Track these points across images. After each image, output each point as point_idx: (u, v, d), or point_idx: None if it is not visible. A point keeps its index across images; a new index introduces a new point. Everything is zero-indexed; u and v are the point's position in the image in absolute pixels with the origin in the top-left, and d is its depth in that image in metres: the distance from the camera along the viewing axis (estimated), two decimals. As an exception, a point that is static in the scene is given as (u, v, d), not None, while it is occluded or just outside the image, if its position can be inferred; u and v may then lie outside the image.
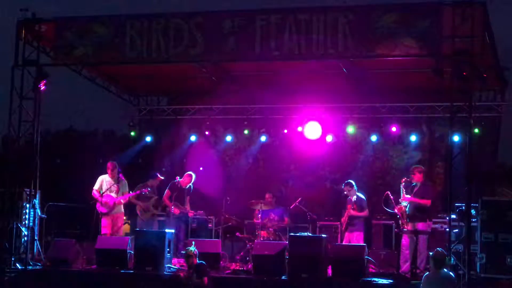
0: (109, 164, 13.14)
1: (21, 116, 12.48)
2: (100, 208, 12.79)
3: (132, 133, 16.86)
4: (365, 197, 12.95)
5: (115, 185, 12.93)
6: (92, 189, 12.98)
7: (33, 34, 12.54)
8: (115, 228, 12.97)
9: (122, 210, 13.23)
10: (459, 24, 10.83)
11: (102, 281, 11.47)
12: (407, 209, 11.69)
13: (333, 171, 16.43)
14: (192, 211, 13.69)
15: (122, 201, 13.04)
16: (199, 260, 10.62)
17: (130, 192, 13.23)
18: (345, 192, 12.94)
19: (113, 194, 12.94)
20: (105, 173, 13.12)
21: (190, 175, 13.58)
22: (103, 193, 12.77)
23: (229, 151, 17.04)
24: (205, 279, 10.32)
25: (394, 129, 15.18)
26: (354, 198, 12.71)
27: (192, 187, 13.62)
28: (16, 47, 12.51)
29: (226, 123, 16.57)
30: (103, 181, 12.98)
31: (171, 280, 11.03)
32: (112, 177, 13.03)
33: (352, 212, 12.61)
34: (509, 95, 15.03)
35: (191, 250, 10.61)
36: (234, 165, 17.00)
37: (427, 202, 11.66)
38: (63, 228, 14.91)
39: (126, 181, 13.20)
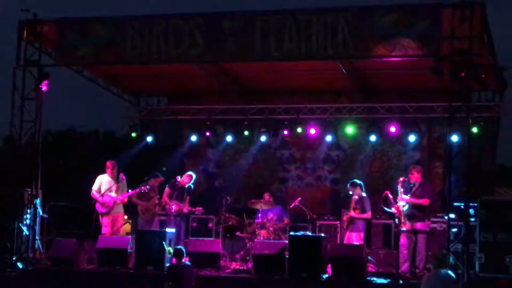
0: (108, 163, 13.16)
1: (23, 116, 12.52)
2: (100, 208, 12.84)
3: (133, 134, 16.90)
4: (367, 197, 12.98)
5: (115, 185, 12.97)
6: (91, 189, 13.02)
7: (35, 34, 12.58)
8: (115, 228, 12.99)
9: (122, 209, 13.25)
10: (458, 24, 10.86)
11: (103, 281, 11.51)
12: (404, 209, 11.74)
13: (332, 171, 16.49)
14: (189, 207, 13.61)
15: (124, 199, 13.06)
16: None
17: (129, 191, 13.24)
18: (350, 192, 12.99)
19: (113, 194, 12.97)
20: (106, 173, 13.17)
21: (191, 175, 13.60)
22: (104, 193, 12.81)
23: (229, 151, 17.09)
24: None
25: (393, 129, 15.17)
26: (356, 198, 12.75)
27: (192, 186, 13.65)
28: (18, 47, 12.54)
29: (226, 123, 16.60)
30: (102, 181, 13.01)
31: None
32: (111, 177, 13.06)
33: (353, 214, 12.64)
34: (508, 96, 15.09)
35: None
36: (234, 165, 17.05)
37: (425, 201, 11.71)
38: (64, 228, 14.95)
39: (125, 180, 13.22)
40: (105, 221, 12.83)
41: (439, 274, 8.70)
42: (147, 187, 13.23)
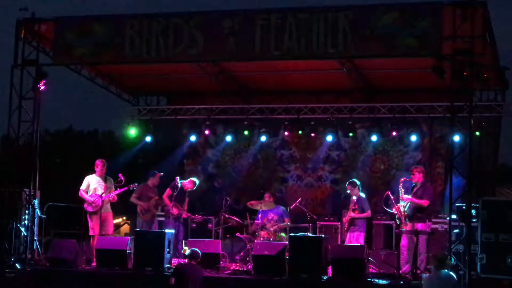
0: (99, 162, 12.96)
1: (21, 116, 12.45)
2: (88, 207, 12.71)
3: (132, 133, 16.80)
4: (366, 196, 12.93)
5: (103, 184, 12.82)
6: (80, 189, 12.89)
7: (33, 33, 12.51)
8: (105, 227, 12.71)
9: (110, 209, 13.02)
10: (459, 24, 10.81)
11: (101, 282, 11.44)
12: (406, 209, 11.68)
13: (333, 171, 16.43)
14: (188, 213, 13.50)
15: (114, 198, 12.88)
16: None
17: (118, 189, 13.04)
18: (348, 191, 12.94)
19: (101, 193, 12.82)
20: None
21: (194, 182, 13.45)
22: (102, 194, 12.63)
23: (229, 151, 17.02)
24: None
25: (394, 134, 15.22)
26: (355, 198, 12.70)
27: (193, 190, 13.56)
28: (16, 46, 12.46)
29: (226, 123, 16.54)
30: (90, 181, 12.85)
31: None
32: (100, 175, 12.89)
33: (353, 214, 12.60)
34: (510, 95, 15.03)
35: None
36: (234, 165, 16.98)
37: (425, 202, 11.64)
38: (63, 228, 14.89)
39: (124, 180, 13.08)
40: (93, 221, 12.65)
41: (440, 275, 8.65)
42: (136, 184, 13.13)
